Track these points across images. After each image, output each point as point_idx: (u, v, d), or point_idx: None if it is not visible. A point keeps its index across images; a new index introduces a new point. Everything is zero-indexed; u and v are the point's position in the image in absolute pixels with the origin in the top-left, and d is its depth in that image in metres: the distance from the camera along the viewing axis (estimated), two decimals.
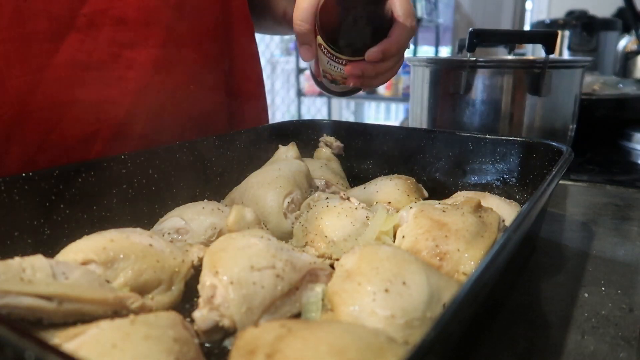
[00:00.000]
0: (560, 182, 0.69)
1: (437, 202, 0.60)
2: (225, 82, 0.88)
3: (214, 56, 0.83)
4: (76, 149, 0.68)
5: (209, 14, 0.81)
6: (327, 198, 0.63)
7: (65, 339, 0.35)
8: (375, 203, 0.65)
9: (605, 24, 1.89)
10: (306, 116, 4.57)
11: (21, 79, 0.62)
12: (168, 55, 0.74)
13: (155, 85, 0.73)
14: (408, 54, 3.94)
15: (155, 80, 0.73)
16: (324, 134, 0.87)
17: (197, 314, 0.42)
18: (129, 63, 0.70)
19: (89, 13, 0.66)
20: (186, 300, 0.49)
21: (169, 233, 0.58)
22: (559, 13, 2.31)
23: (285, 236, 0.61)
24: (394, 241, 0.55)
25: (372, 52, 0.63)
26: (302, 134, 0.88)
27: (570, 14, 1.99)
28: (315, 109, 4.73)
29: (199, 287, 0.45)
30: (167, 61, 0.74)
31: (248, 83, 0.92)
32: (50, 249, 0.48)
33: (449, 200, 0.64)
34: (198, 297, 0.44)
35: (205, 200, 0.65)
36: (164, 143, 0.69)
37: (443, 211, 0.54)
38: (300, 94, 4.32)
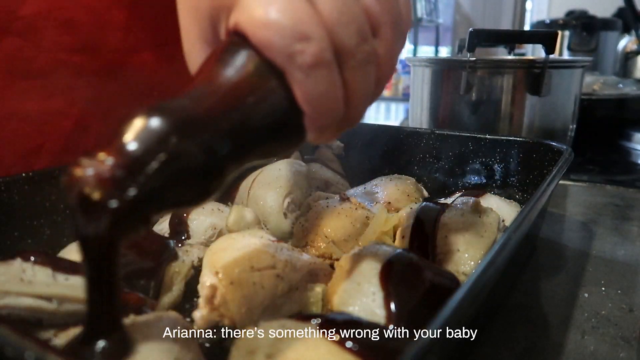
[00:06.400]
0: (560, 182, 0.69)
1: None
2: None
3: (179, 59, 0.80)
4: (18, 165, 0.62)
5: (172, 12, 0.77)
6: (327, 198, 0.63)
7: (65, 339, 0.35)
8: (375, 203, 0.65)
9: (605, 24, 1.89)
10: None
11: None
12: (124, 60, 0.67)
13: (109, 93, 0.66)
14: (408, 53, 3.94)
15: (109, 88, 0.66)
16: None
17: (197, 314, 0.42)
18: (78, 70, 0.64)
19: (27, 15, 0.59)
20: (186, 300, 0.50)
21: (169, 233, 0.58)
22: (559, 13, 2.30)
23: (285, 236, 0.61)
24: (394, 241, 0.55)
25: None
26: None
27: (570, 14, 1.99)
28: None
29: (199, 287, 0.45)
30: (124, 66, 0.67)
31: None
32: (50, 249, 0.48)
33: (448, 200, 0.64)
34: (198, 297, 0.44)
35: None
36: None
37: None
38: None
